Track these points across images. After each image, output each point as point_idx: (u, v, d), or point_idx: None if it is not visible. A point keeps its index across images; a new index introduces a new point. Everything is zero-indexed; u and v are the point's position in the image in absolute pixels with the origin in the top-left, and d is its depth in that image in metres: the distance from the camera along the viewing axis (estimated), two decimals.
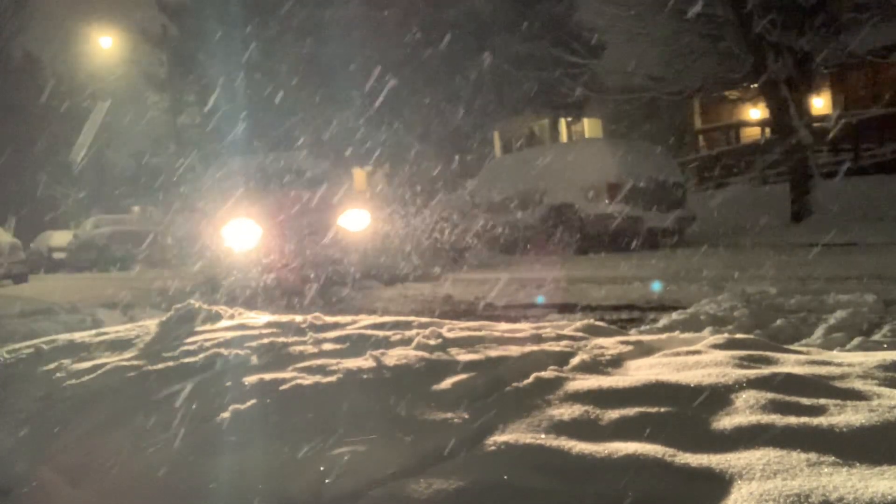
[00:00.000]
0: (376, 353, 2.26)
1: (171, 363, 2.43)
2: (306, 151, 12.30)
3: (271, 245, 7.96)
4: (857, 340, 3.12)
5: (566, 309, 5.32)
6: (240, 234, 8.13)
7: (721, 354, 2.14)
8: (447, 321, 2.93)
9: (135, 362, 2.51)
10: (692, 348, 2.30)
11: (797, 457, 1.42)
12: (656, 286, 5.80)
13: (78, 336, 3.07)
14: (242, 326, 2.93)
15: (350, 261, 8.11)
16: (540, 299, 5.95)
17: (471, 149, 19.03)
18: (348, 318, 3.00)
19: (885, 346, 2.97)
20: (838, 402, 1.70)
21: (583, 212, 10.77)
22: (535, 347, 2.36)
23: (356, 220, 8.61)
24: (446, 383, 2.02)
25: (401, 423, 1.80)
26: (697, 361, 2.09)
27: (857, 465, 1.38)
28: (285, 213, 8.14)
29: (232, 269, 7.82)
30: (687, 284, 5.69)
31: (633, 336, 2.70)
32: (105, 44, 31.50)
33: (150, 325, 3.16)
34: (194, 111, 23.62)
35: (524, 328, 2.76)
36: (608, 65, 13.29)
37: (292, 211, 8.16)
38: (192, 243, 9.13)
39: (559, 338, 2.58)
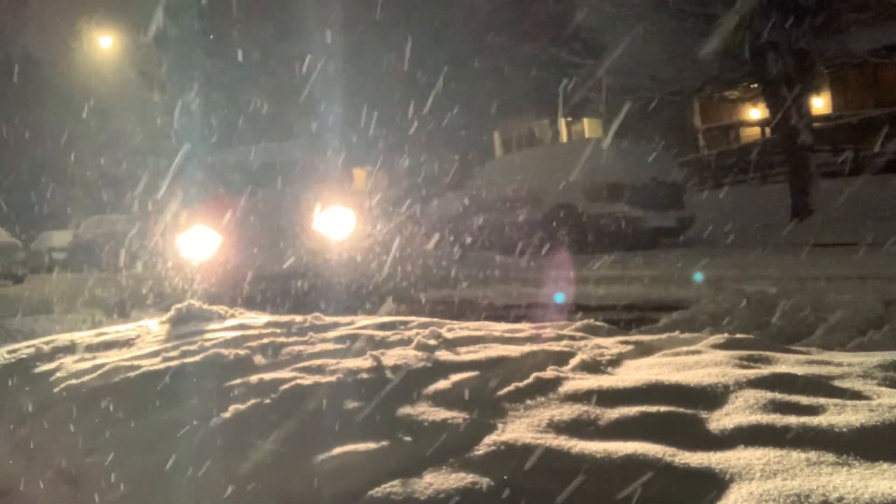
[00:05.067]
0: (376, 352, 2.26)
1: (171, 363, 2.43)
2: (286, 142, 10.34)
3: (230, 255, 6.78)
4: (857, 340, 3.13)
5: (566, 308, 5.32)
6: (197, 242, 6.94)
7: (721, 354, 2.14)
8: (447, 321, 2.94)
9: (135, 362, 2.50)
10: (692, 348, 2.30)
11: (797, 457, 1.42)
12: (656, 286, 5.80)
13: (78, 336, 3.07)
14: (242, 326, 2.94)
15: (326, 274, 6.63)
16: (540, 299, 5.96)
17: (471, 149, 19.05)
18: (348, 318, 3.00)
19: (885, 346, 2.97)
20: (838, 401, 1.70)
21: (583, 212, 10.77)
22: (535, 347, 2.36)
23: (337, 223, 7.19)
24: (446, 383, 2.02)
25: (400, 423, 1.80)
26: (697, 361, 2.09)
27: (857, 465, 1.38)
28: (250, 217, 6.92)
29: (187, 281, 6.73)
30: (687, 284, 5.69)
31: (633, 336, 2.70)
32: (105, 44, 31.46)
33: (150, 324, 3.16)
34: (194, 111, 23.61)
35: (524, 328, 2.76)
36: (608, 65, 13.29)
37: (259, 214, 6.97)
38: (152, 251, 8.03)
39: (559, 338, 2.58)
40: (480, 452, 1.59)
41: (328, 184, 7.91)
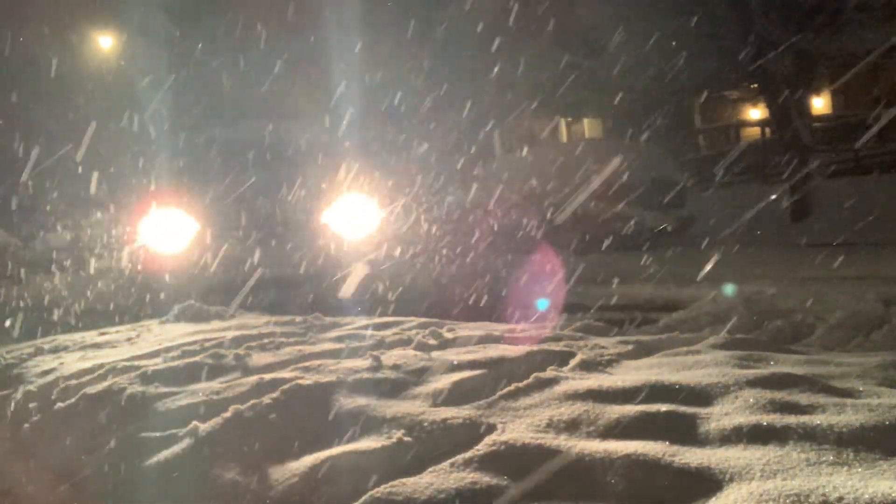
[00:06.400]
0: (376, 352, 2.26)
1: (171, 363, 2.43)
2: (288, 122, 8.41)
3: (210, 248, 5.34)
4: (857, 340, 3.12)
5: (566, 309, 5.32)
6: (165, 229, 5.56)
7: (721, 354, 2.14)
8: (447, 321, 2.94)
9: (135, 362, 2.51)
10: (692, 348, 2.30)
11: (797, 457, 1.42)
12: (656, 286, 5.79)
13: (79, 336, 3.08)
14: (242, 326, 2.94)
15: (334, 285, 4.88)
16: (540, 299, 5.94)
17: (470, 149, 19.01)
18: (348, 319, 3.01)
19: (886, 346, 2.97)
20: (838, 401, 1.70)
21: (583, 212, 10.76)
22: (535, 347, 2.37)
23: (355, 214, 5.73)
24: (446, 383, 2.03)
25: (400, 423, 1.80)
26: (697, 361, 2.09)
27: (857, 465, 1.38)
28: (238, 203, 5.59)
29: (149, 280, 5.42)
30: (687, 284, 5.68)
31: (633, 336, 2.70)
32: (105, 44, 31.47)
33: (150, 324, 3.17)
34: (194, 111, 23.57)
35: (524, 328, 2.77)
36: (608, 65, 13.29)
37: (250, 199, 5.68)
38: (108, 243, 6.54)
39: (559, 338, 2.58)
40: (480, 452, 1.59)
41: (340, 169, 6.14)
